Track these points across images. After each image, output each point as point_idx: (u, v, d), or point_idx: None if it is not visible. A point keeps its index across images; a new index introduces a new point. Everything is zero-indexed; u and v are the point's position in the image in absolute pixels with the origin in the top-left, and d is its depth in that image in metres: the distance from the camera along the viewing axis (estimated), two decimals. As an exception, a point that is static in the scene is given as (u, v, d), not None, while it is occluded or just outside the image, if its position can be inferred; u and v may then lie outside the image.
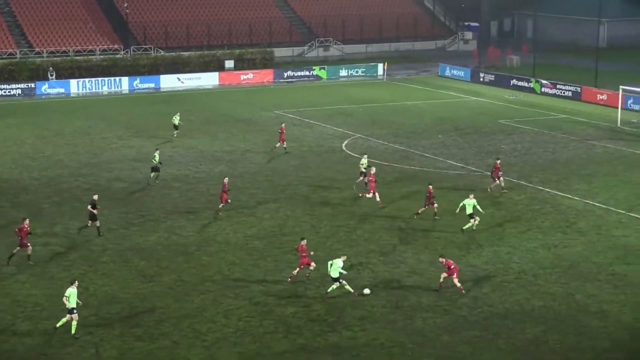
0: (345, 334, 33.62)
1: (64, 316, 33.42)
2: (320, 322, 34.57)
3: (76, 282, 34.14)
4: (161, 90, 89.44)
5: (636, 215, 47.08)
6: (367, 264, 40.52)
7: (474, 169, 56.96)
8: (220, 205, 47.45)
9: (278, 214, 47.80)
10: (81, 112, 77.03)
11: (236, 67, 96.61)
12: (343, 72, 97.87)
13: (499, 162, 51.60)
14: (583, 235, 44.09)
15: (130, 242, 43.31)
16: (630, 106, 75.30)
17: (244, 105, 79.60)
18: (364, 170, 51.83)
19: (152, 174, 53.28)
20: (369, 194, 48.87)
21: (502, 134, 67.59)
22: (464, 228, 44.46)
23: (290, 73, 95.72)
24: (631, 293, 37.07)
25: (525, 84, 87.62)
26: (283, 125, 62.90)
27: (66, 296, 33.20)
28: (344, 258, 37.41)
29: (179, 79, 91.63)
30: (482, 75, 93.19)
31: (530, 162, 58.71)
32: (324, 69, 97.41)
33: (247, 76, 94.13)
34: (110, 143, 64.59)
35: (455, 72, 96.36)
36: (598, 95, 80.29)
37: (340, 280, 36.75)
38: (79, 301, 33.71)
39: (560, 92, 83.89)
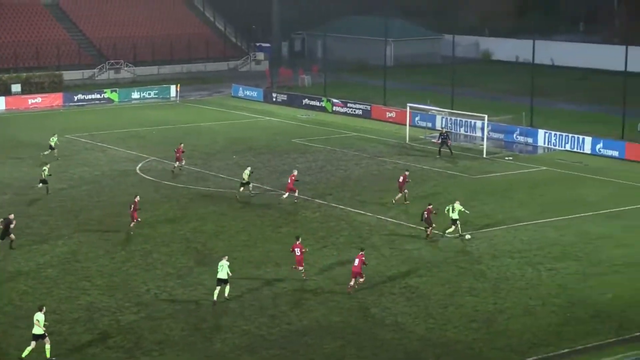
0: (144, 360, 33.14)
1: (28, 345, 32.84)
2: (117, 349, 33.88)
3: (44, 307, 33.57)
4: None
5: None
6: (164, 287, 40.07)
7: (269, 188, 57.32)
8: (132, 224, 47.20)
9: (71, 240, 46.66)
10: None
11: (23, 91, 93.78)
12: (135, 95, 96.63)
13: (407, 173, 53.65)
14: (377, 250, 45.07)
15: None
16: (418, 123, 77.66)
17: (34, 130, 77.29)
18: (246, 180, 53.91)
19: (40, 185, 54.92)
20: (285, 194, 52.85)
21: (296, 153, 68.40)
22: (446, 232, 46.38)
23: (80, 96, 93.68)
24: (423, 305, 38.15)
25: (317, 103, 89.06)
26: (182, 145, 61.91)
27: (37, 320, 32.83)
28: (226, 257, 38.81)
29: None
30: (274, 95, 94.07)
31: (324, 180, 59.63)
32: (115, 91, 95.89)
33: (36, 100, 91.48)
34: None
35: (248, 92, 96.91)
36: (387, 113, 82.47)
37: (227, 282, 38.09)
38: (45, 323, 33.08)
39: (351, 111, 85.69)
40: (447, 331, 35.59)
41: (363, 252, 39.87)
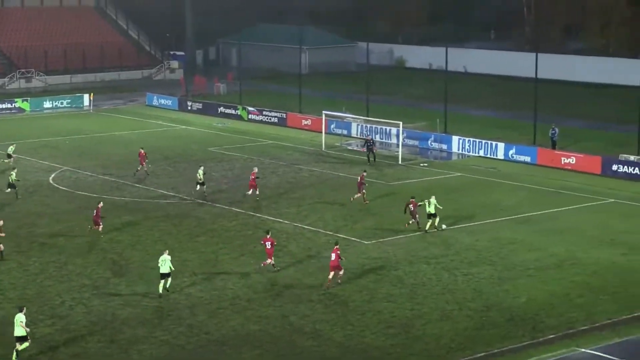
0: (60, 373, 32.64)
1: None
2: (32, 363, 33.38)
3: (25, 308, 34.22)
4: None
5: (343, 236, 48.66)
6: (80, 299, 39.54)
7: (185, 197, 57.00)
8: (90, 228, 48.51)
9: (-17, 252, 45.77)
10: None
11: None
12: (47, 104, 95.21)
13: (364, 173, 56.01)
14: (294, 258, 45.11)
15: None
16: (333, 130, 77.94)
17: (-58, 140, 75.75)
18: (201, 179, 56.54)
19: (8, 190, 56.70)
20: (249, 191, 55.48)
21: (212, 161, 68.09)
22: (426, 228, 49.09)
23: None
24: (341, 312, 38.27)
25: (233, 112, 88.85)
26: (142, 150, 63.23)
27: (21, 322, 33.51)
28: (167, 252, 40.73)
29: None
30: (189, 103, 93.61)
31: (240, 189, 59.39)
32: (27, 101, 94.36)
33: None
34: None
35: (163, 101, 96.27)
36: (303, 121, 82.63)
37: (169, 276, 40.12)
38: (26, 328, 33.61)
39: (267, 119, 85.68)
40: (365, 337, 35.76)
41: (338, 246, 41.30)
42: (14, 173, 57.67)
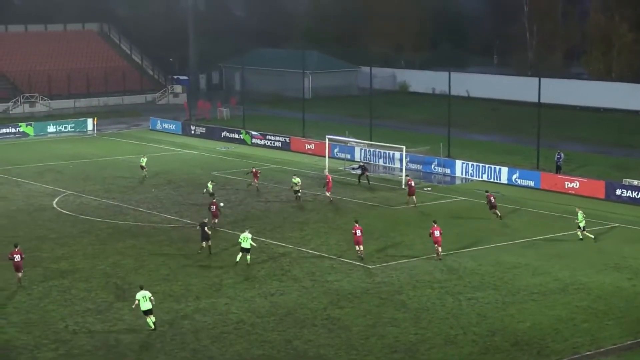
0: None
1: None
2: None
3: (143, 286, 39.10)
4: None
5: (347, 260, 48.62)
6: (83, 323, 39.48)
7: (189, 221, 56.97)
8: (214, 225, 53.59)
9: (-13, 277, 45.77)
10: None
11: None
12: (51, 128, 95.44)
13: (409, 179, 63.54)
14: (298, 282, 45.05)
15: None
16: (337, 154, 78.05)
17: (-54, 164, 75.90)
18: (297, 188, 62.35)
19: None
20: (328, 193, 62.16)
21: (216, 185, 67.98)
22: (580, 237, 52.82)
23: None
24: (345, 336, 38.17)
25: (236, 136, 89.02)
26: (253, 169, 67.29)
27: (138, 299, 38.34)
28: (248, 230, 47.50)
29: None
30: (193, 128, 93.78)
31: (244, 213, 59.47)
32: (30, 125, 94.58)
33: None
34: None
35: (166, 125, 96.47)
36: (306, 145, 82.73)
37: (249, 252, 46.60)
38: (151, 297, 38.45)
39: (270, 143, 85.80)
40: (370, 362, 35.67)
41: (437, 224, 48.33)
42: (210, 185, 62.07)
